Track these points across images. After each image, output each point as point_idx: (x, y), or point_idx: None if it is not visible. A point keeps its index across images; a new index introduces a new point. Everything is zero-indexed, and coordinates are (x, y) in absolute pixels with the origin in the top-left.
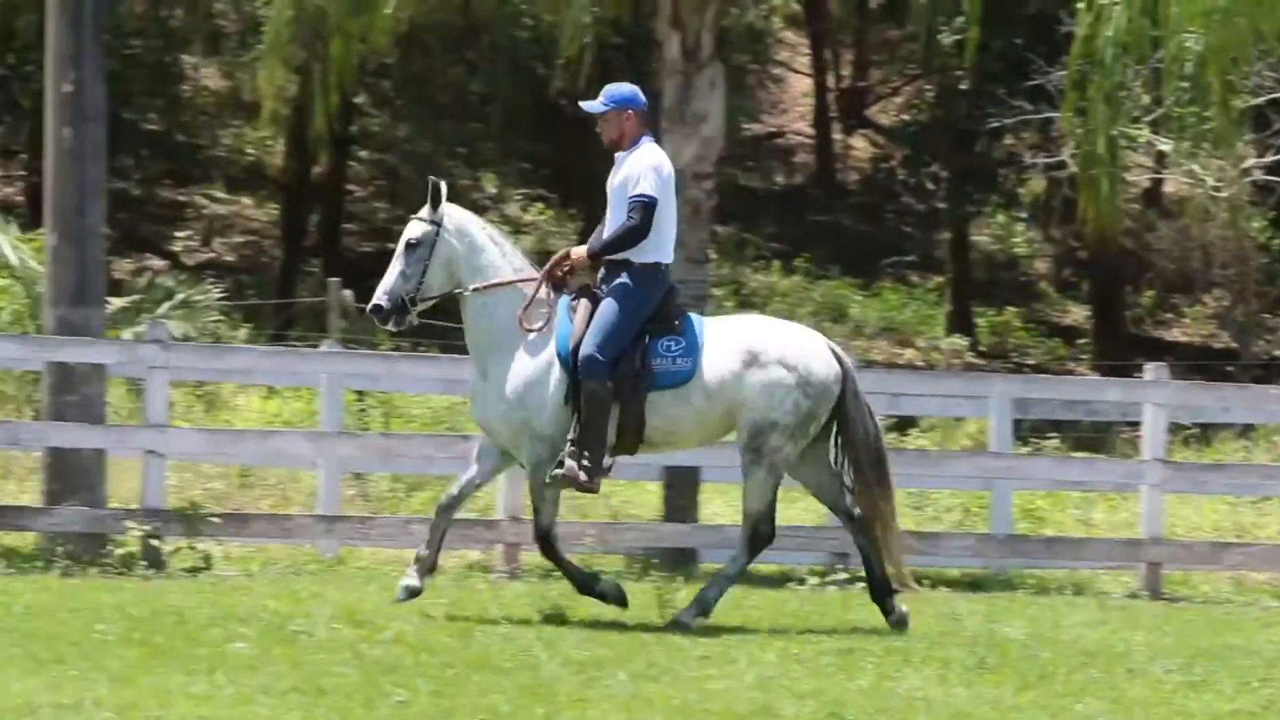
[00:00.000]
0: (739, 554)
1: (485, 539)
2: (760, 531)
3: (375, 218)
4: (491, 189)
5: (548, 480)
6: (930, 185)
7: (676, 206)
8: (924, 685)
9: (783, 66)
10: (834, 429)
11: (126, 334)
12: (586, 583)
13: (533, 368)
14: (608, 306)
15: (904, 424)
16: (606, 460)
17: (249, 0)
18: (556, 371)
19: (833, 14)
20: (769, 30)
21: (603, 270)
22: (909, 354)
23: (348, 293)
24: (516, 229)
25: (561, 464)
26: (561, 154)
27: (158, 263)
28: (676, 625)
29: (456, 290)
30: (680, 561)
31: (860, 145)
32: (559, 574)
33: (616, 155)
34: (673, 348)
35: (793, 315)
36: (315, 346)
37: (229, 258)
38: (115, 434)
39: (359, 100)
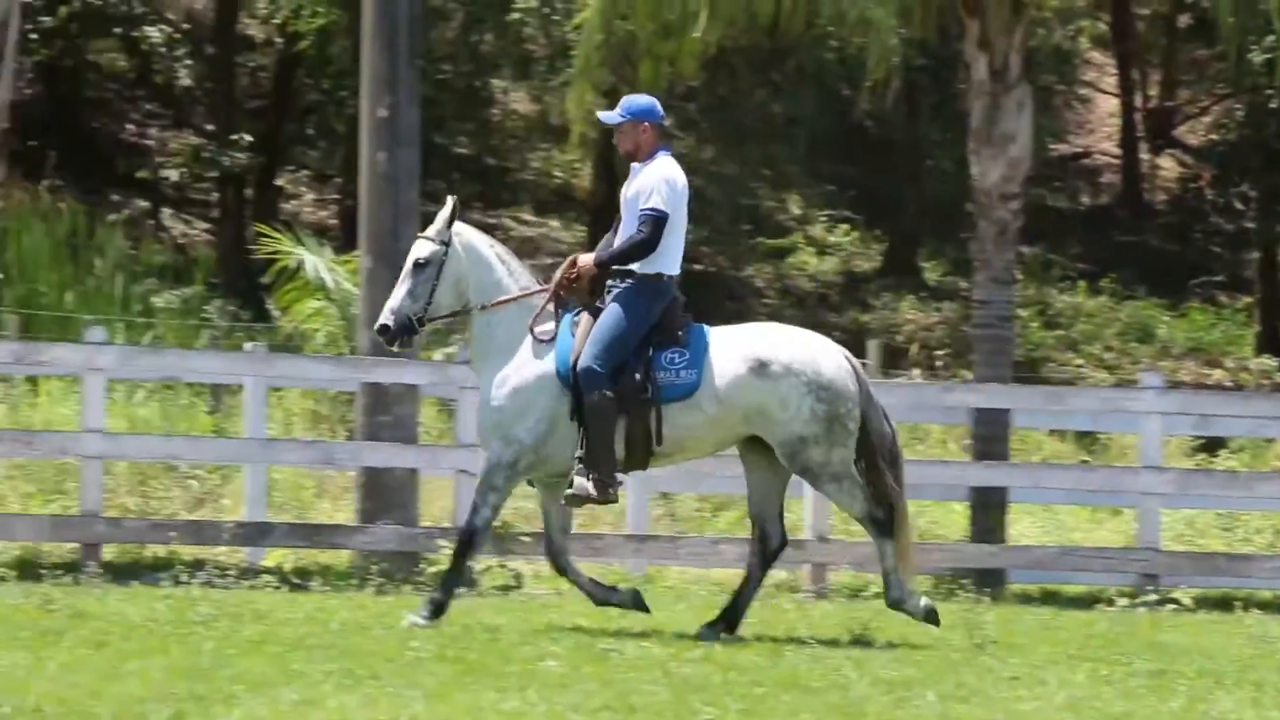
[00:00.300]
0: (881, 547)
1: (792, 559)
2: (878, 518)
3: None
4: (796, 210)
5: (562, 501)
6: (1239, 205)
7: (687, 221)
8: (1236, 709)
9: (1089, 87)
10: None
11: (438, 355)
12: (446, 596)
13: (518, 376)
14: (607, 317)
15: (1213, 445)
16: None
17: (559, 25)
18: (549, 385)
19: (1140, 34)
20: (1076, 51)
21: (608, 282)
22: (1217, 375)
23: None
24: (821, 250)
25: (572, 483)
26: (867, 176)
27: None
28: (924, 613)
29: (464, 309)
30: (987, 582)
31: (1167, 165)
32: (868, 594)
33: (632, 166)
34: (676, 360)
35: (1099, 336)
36: None
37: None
38: (428, 454)
39: (665, 123)
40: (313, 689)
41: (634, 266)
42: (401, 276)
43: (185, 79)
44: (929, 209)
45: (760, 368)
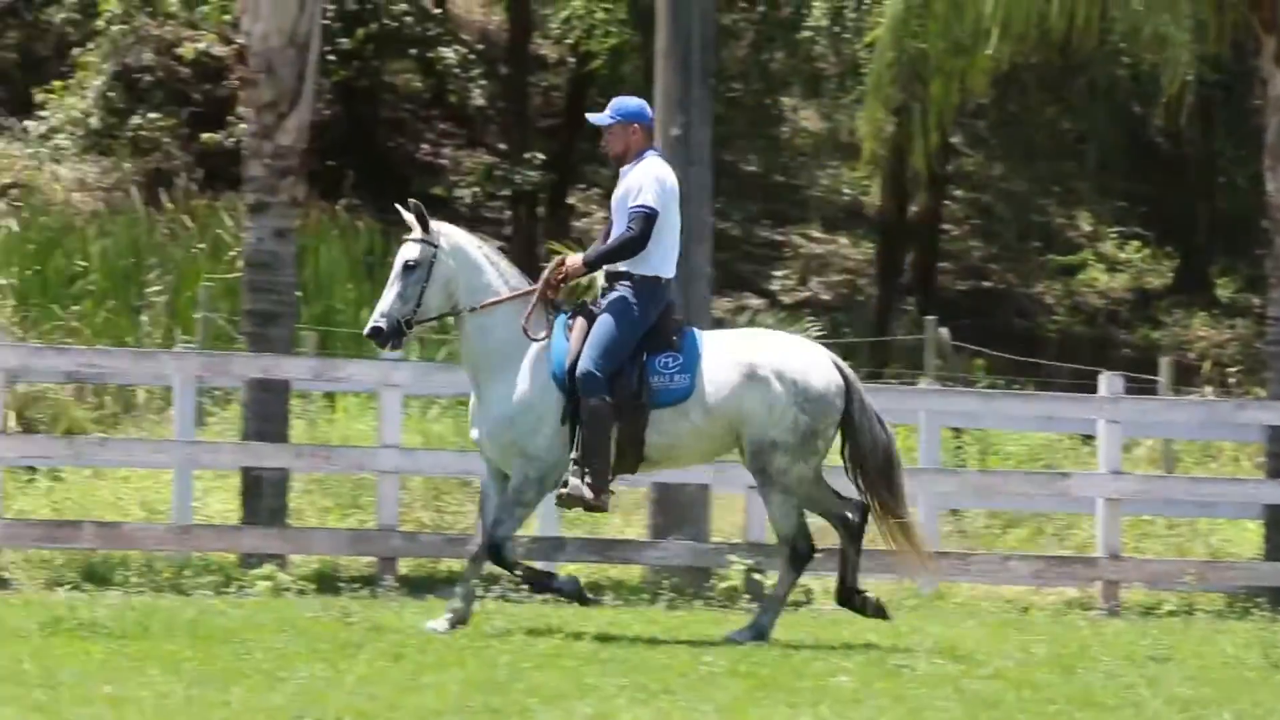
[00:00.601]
0: (783, 575)
1: (1084, 576)
2: (798, 549)
3: (969, 256)
4: (1086, 227)
5: (556, 500)
6: None
7: (681, 220)
8: None
9: None
10: (841, 440)
11: None
12: (543, 581)
13: (526, 390)
14: (605, 321)
15: None
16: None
17: (849, 43)
18: (552, 395)
19: None
20: None
21: (602, 284)
22: None
23: (944, 331)
24: (1112, 267)
25: (566, 483)
26: (1158, 192)
27: (756, 301)
28: (729, 642)
29: (454, 311)
30: None
31: None
32: (1161, 612)
33: (621, 170)
34: (670, 364)
35: None
36: (912, 384)
37: (825, 296)
38: (718, 470)
39: (954, 140)
40: (606, 703)
41: (628, 268)
42: (390, 279)
43: (478, 99)
44: (1222, 225)
45: (751, 375)
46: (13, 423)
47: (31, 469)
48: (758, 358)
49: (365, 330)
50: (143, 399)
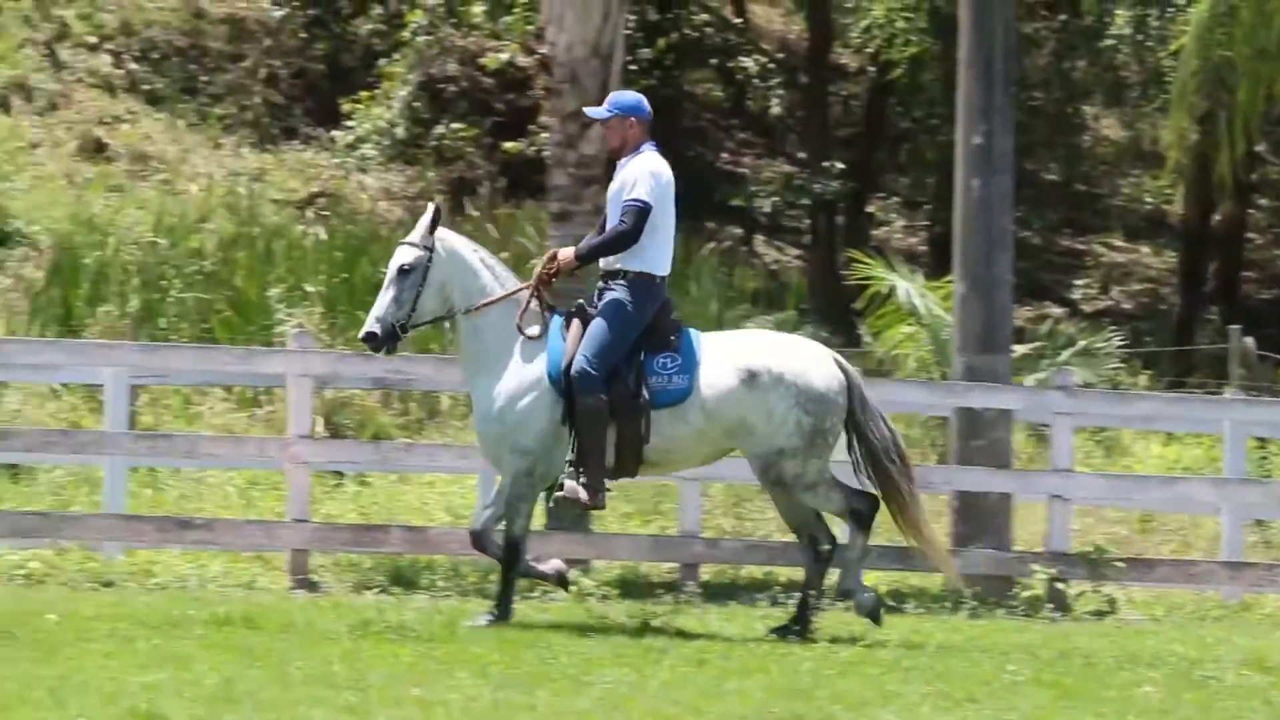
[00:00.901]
0: (853, 537)
1: None
2: (859, 511)
3: (1274, 265)
4: None
5: (550, 503)
6: None
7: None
8: None
9: None
10: (848, 439)
11: (1028, 380)
12: (504, 615)
13: (515, 385)
14: (600, 321)
15: None
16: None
17: (1152, 51)
18: (544, 390)
19: None
20: None
21: (598, 284)
22: None
23: (1249, 340)
24: None
25: (562, 485)
26: None
27: (1056, 310)
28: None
29: (449, 314)
30: None
31: None
32: None
33: (618, 163)
34: (668, 365)
35: None
36: (1217, 394)
37: (1126, 305)
38: (1020, 479)
39: (1259, 148)
40: (910, 711)
41: (623, 265)
42: (385, 283)
43: (778, 108)
44: None
45: (750, 378)
46: (321, 428)
47: (339, 474)
48: (755, 360)
49: (360, 335)
50: (446, 405)
